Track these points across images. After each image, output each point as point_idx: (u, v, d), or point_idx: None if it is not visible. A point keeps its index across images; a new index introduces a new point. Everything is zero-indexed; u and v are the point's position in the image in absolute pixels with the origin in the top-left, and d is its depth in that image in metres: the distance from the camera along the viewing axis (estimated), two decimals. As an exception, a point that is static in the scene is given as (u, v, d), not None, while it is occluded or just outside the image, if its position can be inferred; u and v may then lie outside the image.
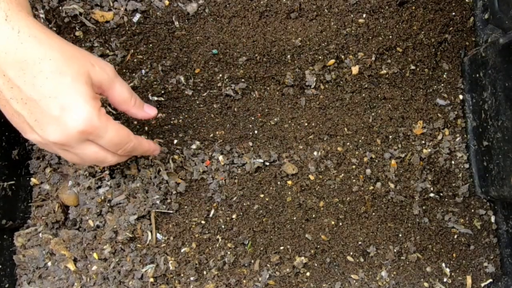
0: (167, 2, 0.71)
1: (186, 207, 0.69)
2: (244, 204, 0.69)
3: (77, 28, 0.70)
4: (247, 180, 0.70)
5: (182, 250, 0.67)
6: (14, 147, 0.68)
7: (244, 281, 0.67)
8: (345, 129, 0.72)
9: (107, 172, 0.67)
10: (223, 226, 0.68)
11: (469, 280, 0.69)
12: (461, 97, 0.73)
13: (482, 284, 0.69)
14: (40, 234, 0.67)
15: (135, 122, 0.71)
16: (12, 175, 0.67)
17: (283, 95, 0.72)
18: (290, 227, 0.69)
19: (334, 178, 0.71)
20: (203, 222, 0.68)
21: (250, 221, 0.69)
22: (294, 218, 0.69)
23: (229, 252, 0.68)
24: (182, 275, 0.67)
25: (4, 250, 0.67)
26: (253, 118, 0.72)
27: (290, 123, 0.72)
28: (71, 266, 0.65)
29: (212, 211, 0.69)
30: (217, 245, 0.68)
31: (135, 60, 0.71)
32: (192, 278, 0.67)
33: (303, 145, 0.72)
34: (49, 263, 0.67)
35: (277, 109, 0.72)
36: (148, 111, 0.61)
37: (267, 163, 0.71)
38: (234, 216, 0.69)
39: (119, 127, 0.54)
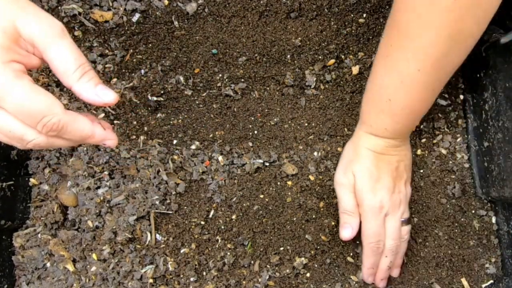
0: (166, 2, 0.71)
1: (185, 207, 0.68)
2: (244, 204, 0.69)
3: (76, 28, 0.70)
4: (247, 181, 0.70)
5: (181, 251, 0.67)
6: (13, 147, 0.68)
7: (244, 282, 0.67)
8: (345, 129, 0.72)
9: (106, 172, 0.67)
10: (222, 227, 0.68)
11: (465, 282, 0.69)
12: (461, 97, 0.73)
13: (483, 285, 0.69)
14: (39, 235, 0.67)
15: (134, 122, 0.70)
16: (11, 175, 0.67)
17: (283, 95, 0.72)
18: (290, 228, 0.68)
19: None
20: (202, 222, 0.68)
21: (250, 221, 0.69)
22: (294, 218, 0.69)
23: (228, 253, 0.68)
24: (181, 275, 0.67)
25: (3, 251, 0.67)
26: (253, 118, 0.72)
27: (290, 123, 0.72)
28: (70, 267, 0.65)
29: (212, 212, 0.69)
30: (217, 246, 0.68)
31: (134, 60, 0.70)
32: (191, 279, 0.66)
33: (303, 145, 0.71)
34: (48, 264, 0.66)
35: (277, 109, 0.72)
36: (100, 94, 0.46)
37: (267, 164, 0.71)
38: (234, 217, 0.68)
39: (35, 90, 0.43)
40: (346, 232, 0.64)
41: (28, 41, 0.43)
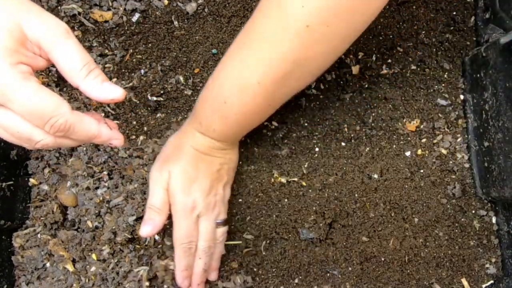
0: (166, 2, 0.71)
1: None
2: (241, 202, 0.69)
3: (76, 28, 0.70)
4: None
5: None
6: (12, 147, 0.68)
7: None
8: (346, 129, 0.72)
9: (105, 172, 0.67)
10: None
11: (465, 282, 0.68)
12: (462, 97, 0.73)
13: (483, 286, 0.69)
14: (39, 235, 0.67)
15: (134, 122, 0.70)
16: (10, 175, 0.67)
17: (283, 95, 0.72)
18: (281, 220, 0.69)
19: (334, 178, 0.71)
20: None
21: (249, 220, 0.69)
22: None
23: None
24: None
25: (3, 251, 0.67)
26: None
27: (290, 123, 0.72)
28: (69, 267, 0.65)
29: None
30: None
31: (134, 60, 0.70)
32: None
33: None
34: (48, 264, 0.66)
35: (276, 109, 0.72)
36: (108, 91, 0.46)
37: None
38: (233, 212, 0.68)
39: (42, 92, 0.43)
40: (147, 229, 0.59)
41: (34, 42, 0.44)
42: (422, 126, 0.72)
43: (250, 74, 0.54)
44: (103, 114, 0.68)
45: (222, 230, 0.64)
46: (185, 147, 0.62)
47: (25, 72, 0.43)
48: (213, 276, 0.66)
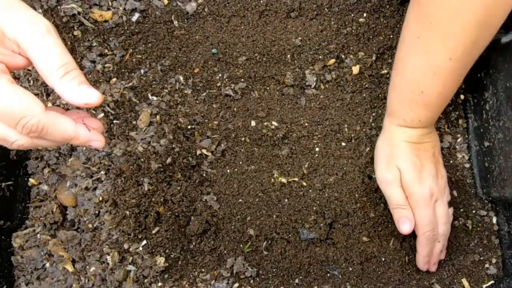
0: (166, 2, 0.71)
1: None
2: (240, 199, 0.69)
3: (75, 28, 0.70)
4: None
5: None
6: (12, 147, 0.68)
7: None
8: (346, 129, 0.72)
9: (103, 172, 0.67)
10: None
11: (466, 282, 0.68)
12: (462, 97, 0.73)
13: (484, 286, 0.69)
14: (38, 235, 0.67)
15: (134, 122, 0.70)
16: (10, 175, 0.67)
17: (283, 95, 0.72)
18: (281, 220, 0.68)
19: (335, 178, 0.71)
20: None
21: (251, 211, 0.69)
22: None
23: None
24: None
25: (2, 251, 0.66)
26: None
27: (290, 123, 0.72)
28: (69, 267, 0.65)
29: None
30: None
31: (134, 59, 0.70)
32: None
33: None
34: (47, 264, 0.66)
35: (277, 109, 0.72)
36: (82, 94, 0.43)
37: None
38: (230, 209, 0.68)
39: (13, 90, 0.41)
40: (406, 226, 0.63)
41: (12, 40, 0.42)
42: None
43: (438, 55, 0.56)
44: (102, 114, 0.68)
45: (451, 210, 0.67)
46: (399, 143, 0.64)
47: None
48: (443, 255, 0.68)
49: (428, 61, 0.57)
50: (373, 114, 0.72)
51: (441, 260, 0.68)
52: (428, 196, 0.63)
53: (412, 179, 0.63)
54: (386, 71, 0.72)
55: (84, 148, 0.68)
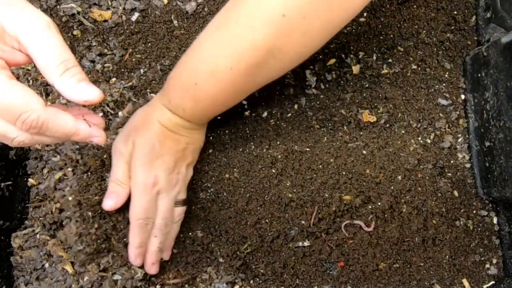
0: (165, 1, 0.71)
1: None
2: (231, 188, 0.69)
3: (75, 27, 0.69)
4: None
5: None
6: (11, 147, 0.67)
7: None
8: (346, 129, 0.72)
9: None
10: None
11: (466, 283, 0.68)
12: (463, 97, 0.73)
13: (484, 286, 0.69)
14: (38, 235, 0.67)
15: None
16: (9, 175, 0.67)
17: (283, 94, 0.72)
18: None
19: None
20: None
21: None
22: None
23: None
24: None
25: (1, 251, 0.66)
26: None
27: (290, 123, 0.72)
28: (68, 268, 0.65)
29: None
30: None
31: (133, 59, 0.70)
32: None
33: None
34: (47, 265, 0.66)
35: (277, 109, 0.72)
36: (82, 92, 0.43)
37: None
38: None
39: (12, 86, 0.41)
40: (110, 202, 0.59)
41: (12, 36, 0.42)
42: (422, 126, 0.72)
43: (224, 59, 0.54)
44: (101, 114, 0.68)
45: (180, 210, 0.63)
46: (153, 121, 0.60)
47: None
48: (166, 255, 0.65)
49: (213, 59, 0.54)
50: (374, 114, 0.72)
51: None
52: (150, 184, 0.59)
53: (140, 162, 0.59)
54: (386, 71, 0.72)
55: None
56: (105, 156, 0.65)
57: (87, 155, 0.65)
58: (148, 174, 0.59)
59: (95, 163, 0.65)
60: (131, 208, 0.60)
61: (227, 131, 0.70)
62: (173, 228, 0.64)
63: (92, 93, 0.43)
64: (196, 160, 0.67)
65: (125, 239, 0.63)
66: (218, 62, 0.54)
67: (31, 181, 0.69)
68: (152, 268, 0.63)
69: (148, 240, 0.61)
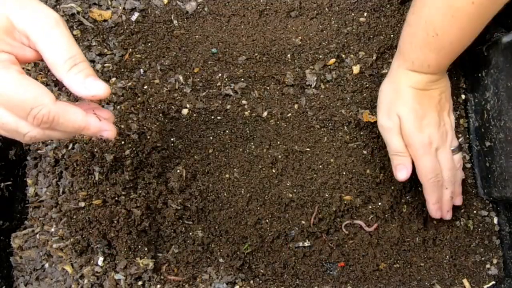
0: (165, 1, 0.71)
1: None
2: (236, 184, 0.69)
3: (74, 27, 0.69)
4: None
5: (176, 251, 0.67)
6: (11, 147, 0.67)
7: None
8: (346, 129, 0.72)
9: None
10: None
11: (467, 283, 0.68)
12: (463, 96, 0.73)
13: (485, 286, 0.68)
14: (37, 235, 0.67)
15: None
16: (9, 175, 0.67)
17: (283, 94, 0.72)
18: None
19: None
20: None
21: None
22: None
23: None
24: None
25: (1, 252, 0.66)
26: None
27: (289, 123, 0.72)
28: (68, 268, 0.65)
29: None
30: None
31: (133, 59, 0.70)
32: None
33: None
34: (46, 265, 0.66)
35: (277, 109, 0.72)
36: (89, 86, 0.43)
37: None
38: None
39: (23, 81, 0.41)
40: (402, 173, 0.64)
41: (21, 32, 0.43)
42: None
43: None
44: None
45: (458, 156, 0.67)
46: (403, 88, 0.63)
47: (5, 60, 0.42)
48: (458, 201, 0.68)
49: (449, 1, 0.54)
50: (374, 113, 0.72)
51: (453, 215, 0.68)
52: (427, 144, 0.63)
53: (411, 128, 0.62)
54: (386, 71, 0.72)
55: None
56: (96, 150, 0.64)
57: (73, 149, 0.65)
58: (422, 136, 0.63)
59: (81, 157, 0.64)
60: (420, 171, 0.64)
61: (227, 131, 0.70)
62: (458, 175, 0.67)
63: (99, 88, 0.44)
64: (452, 105, 0.68)
65: (125, 236, 0.63)
66: (456, 2, 0.54)
67: (29, 181, 0.68)
68: (447, 215, 0.68)
69: (442, 194, 0.66)
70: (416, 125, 0.62)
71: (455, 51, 0.61)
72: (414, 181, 0.70)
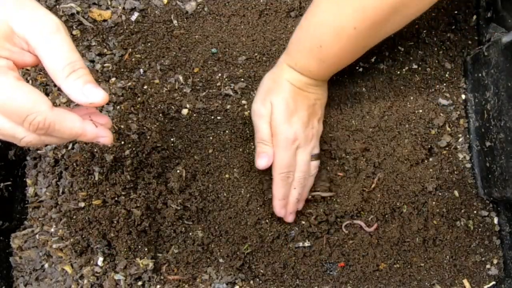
0: (165, 1, 0.71)
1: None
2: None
3: (74, 27, 0.69)
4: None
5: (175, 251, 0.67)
6: (10, 147, 0.67)
7: None
8: (345, 129, 0.72)
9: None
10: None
11: (467, 283, 0.68)
12: (463, 96, 0.73)
13: (485, 287, 0.68)
14: (37, 236, 0.67)
15: (133, 122, 0.70)
16: (8, 175, 0.67)
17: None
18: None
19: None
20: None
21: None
22: None
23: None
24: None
25: (1, 252, 0.66)
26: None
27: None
28: (68, 269, 0.64)
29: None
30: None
31: (133, 59, 0.70)
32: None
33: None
34: (46, 265, 0.66)
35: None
36: (87, 93, 0.43)
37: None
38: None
39: (19, 87, 0.41)
40: (263, 161, 0.64)
41: (21, 37, 0.42)
42: (423, 126, 0.72)
43: (347, 19, 0.56)
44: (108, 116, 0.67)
45: (315, 163, 0.67)
46: (283, 81, 0.64)
47: (3, 66, 0.42)
48: (300, 206, 0.68)
49: (336, 20, 0.57)
50: (375, 113, 0.71)
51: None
52: (291, 139, 0.63)
53: (280, 118, 0.63)
54: (387, 71, 0.72)
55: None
56: (95, 149, 0.64)
57: (73, 149, 0.65)
58: (289, 130, 0.64)
59: (81, 157, 0.64)
60: (275, 163, 0.64)
61: (227, 131, 0.70)
62: (309, 181, 0.68)
63: (97, 96, 0.44)
64: (323, 116, 0.70)
65: (125, 236, 0.63)
66: (341, 23, 0.57)
67: (28, 181, 0.68)
68: (289, 217, 0.68)
69: (289, 192, 0.66)
70: (286, 117, 0.63)
71: (335, 65, 0.64)
72: (414, 181, 0.70)
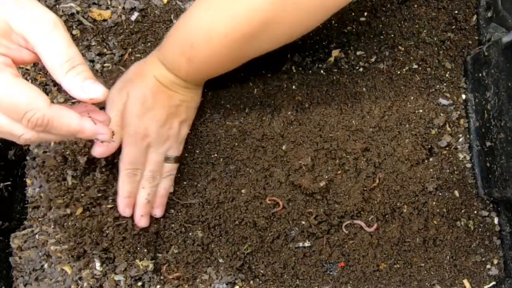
0: (165, 1, 0.71)
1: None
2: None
3: (74, 27, 0.69)
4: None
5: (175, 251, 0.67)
6: (10, 147, 0.67)
7: None
8: (344, 129, 0.72)
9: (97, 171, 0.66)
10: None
11: (467, 283, 0.68)
12: (464, 96, 0.73)
13: (485, 287, 0.68)
14: (37, 236, 0.67)
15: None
16: (8, 175, 0.67)
17: (283, 94, 0.72)
18: None
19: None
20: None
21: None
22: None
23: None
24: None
25: (0, 252, 0.66)
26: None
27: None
28: (68, 269, 0.64)
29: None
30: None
31: (133, 59, 0.70)
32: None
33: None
34: (46, 265, 0.66)
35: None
36: (87, 89, 0.44)
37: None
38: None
39: (17, 84, 0.41)
40: (99, 149, 0.59)
41: (19, 34, 0.42)
42: (423, 126, 0.72)
43: (219, 25, 0.54)
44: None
45: (170, 166, 0.64)
46: (148, 74, 0.61)
47: (0, 63, 0.42)
48: (157, 212, 0.65)
49: (209, 23, 0.55)
50: (375, 113, 0.71)
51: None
52: (141, 135, 0.60)
53: (132, 112, 0.60)
54: (387, 71, 0.72)
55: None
56: (67, 152, 0.64)
57: (46, 152, 0.65)
58: (139, 125, 0.60)
59: (53, 161, 0.64)
60: (122, 157, 0.61)
61: (227, 131, 0.70)
62: (163, 184, 0.64)
63: (97, 91, 0.44)
64: (192, 119, 0.67)
65: (119, 243, 0.63)
66: (214, 28, 0.55)
67: (28, 181, 0.68)
68: (141, 221, 0.63)
69: (137, 191, 0.62)
70: (139, 111, 0.60)
71: (206, 70, 0.61)
72: (414, 181, 0.70)
